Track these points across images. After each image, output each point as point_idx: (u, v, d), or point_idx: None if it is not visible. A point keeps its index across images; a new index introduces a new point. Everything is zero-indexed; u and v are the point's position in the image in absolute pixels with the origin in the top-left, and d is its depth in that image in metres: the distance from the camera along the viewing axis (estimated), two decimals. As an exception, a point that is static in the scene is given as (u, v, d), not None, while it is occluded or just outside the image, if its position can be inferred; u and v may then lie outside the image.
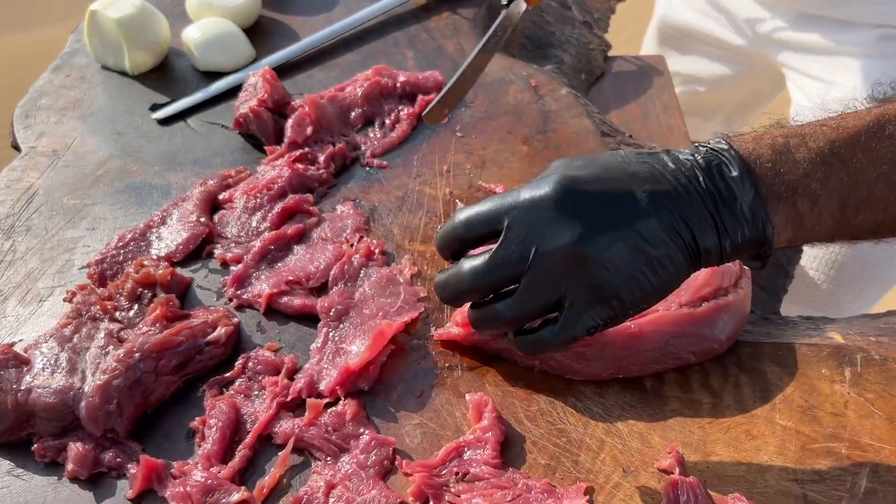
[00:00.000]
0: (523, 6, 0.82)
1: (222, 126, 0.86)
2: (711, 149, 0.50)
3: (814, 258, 1.01)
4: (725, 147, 0.50)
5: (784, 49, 1.07)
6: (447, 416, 0.58)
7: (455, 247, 0.54)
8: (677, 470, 0.53)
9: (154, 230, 0.72)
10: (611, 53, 1.09)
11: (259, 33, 0.99)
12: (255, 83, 0.83)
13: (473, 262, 0.51)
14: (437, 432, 0.57)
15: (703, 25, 1.17)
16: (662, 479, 0.53)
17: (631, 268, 0.48)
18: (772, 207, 0.49)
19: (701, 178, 0.49)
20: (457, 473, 0.54)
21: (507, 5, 0.81)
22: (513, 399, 0.59)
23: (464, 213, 0.52)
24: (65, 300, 0.68)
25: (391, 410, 0.59)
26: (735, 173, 0.49)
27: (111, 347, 0.59)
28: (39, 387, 0.57)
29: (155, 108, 0.89)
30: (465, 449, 0.55)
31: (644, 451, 0.55)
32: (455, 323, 0.62)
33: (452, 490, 0.53)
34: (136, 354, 0.58)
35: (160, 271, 0.65)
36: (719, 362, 0.60)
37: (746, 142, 0.51)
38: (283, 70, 0.93)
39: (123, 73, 0.94)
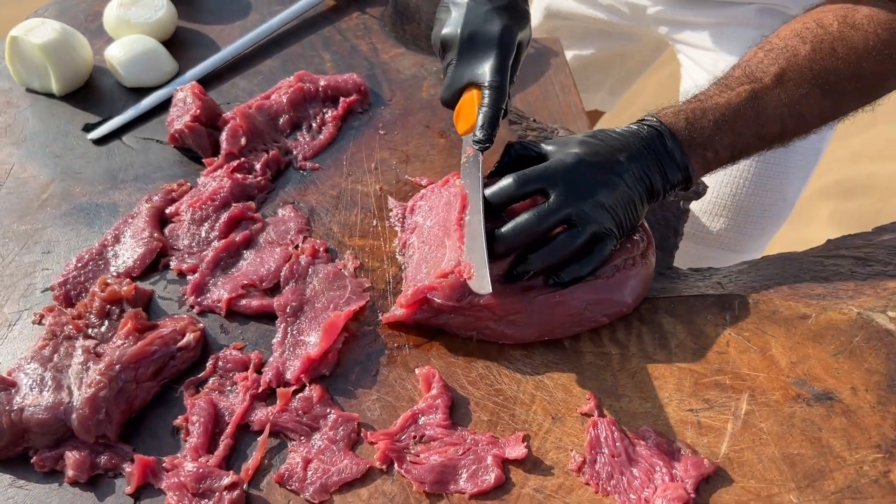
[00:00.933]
0: None
1: (157, 141, 0.91)
2: (651, 125, 0.72)
3: (709, 205, 1.14)
4: (657, 122, 0.72)
5: (669, 25, 1.18)
6: (401, 389, 0.67)
7: (506, 202, 0.69)
8: (596, 412, 0.64)
9: (109, 248, 0.78)
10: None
11: (178, 45, 1.03)
12: (185, 98, 0.89)
13: (539, 210, 0.66)
14: (393, 404, 0.66)
15: (586, 12, 1.27)
16: (585, 422, 0.64)
17: (624, 201, 0.68)
18: (690, 158, 0.71)
19: (651, 145, 0.70)
20: (414, 437, 0.64)
21: (482, 149, 0.78)
22: (455, 368, 0.68)
23: (516, 176, 0.68)
24: (34, 322, 0.73)
25: (351, 389, 0.67)
26: (670, 142, 0.70)
27: (91, 363, 0.66)
28: (31, 406, 0.63)
29: (88, 128, 0.93)
30: (420, 416, 0.64)
31: (568, 399, 0.66)
32: (399, 305, 0.71)
33: (412, 451, 0.63)
34: (117, 367, 0.65)
35: (124, 288, 0.71)
36: (624, 319, 0.71)
37: (668, 116, 0.72)
38: (207, 81, 0.98)
39: (50, 95, 0.97)
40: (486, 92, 0.75)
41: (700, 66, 1.17)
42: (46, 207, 0.84)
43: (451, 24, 0.79)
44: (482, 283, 0.63)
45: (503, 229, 0.67)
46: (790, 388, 0.64)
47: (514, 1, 0.80)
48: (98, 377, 0.64)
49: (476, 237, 0.66)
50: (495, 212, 0.69)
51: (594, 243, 0.67)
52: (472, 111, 0.76)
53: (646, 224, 0.74)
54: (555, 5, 1.31)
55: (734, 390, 0.65)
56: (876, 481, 0.58)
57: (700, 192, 0.89)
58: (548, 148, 0.71)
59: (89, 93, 0.98)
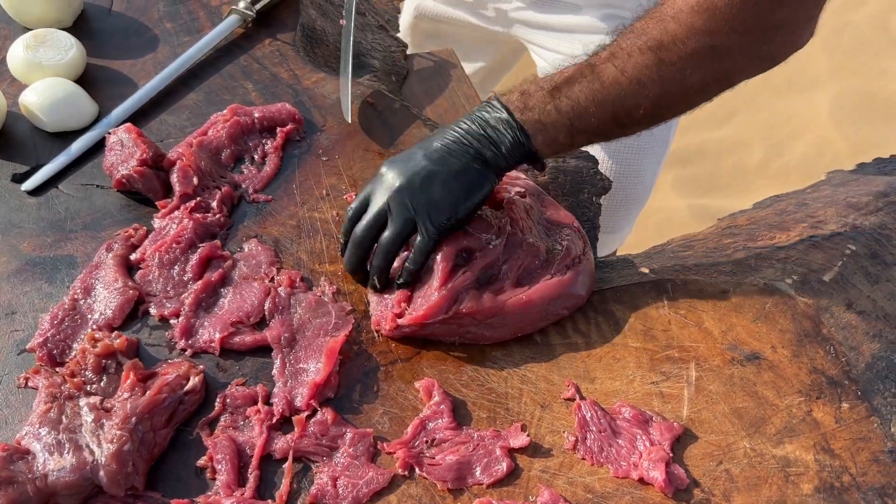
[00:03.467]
0: None
1: (98, 186, 0.90)
2: (486, 101, 0.78)
3: None
4: (494, 99, 0.78)
5: (524, 27, 1.29)
6: (403, 401, 0.74)
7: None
8: (577, 396, 0.74)
9: (81, 301, 0.78)
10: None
11: (90, 83, 1.01)
12: (121, 140, 0.89)
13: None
14: (399, 415, 0.73)
15: (452, 14, 1.36)
16: (569, 406, 0.74)
17: (444, 187, 0.75)
18: (533, 137, 0.76)
19: (478, 121, 0.77)
20: (426, 442, 0.71)
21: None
22: (447, 374, 0.76)
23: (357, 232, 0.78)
24: (19, 387, 0.73)
25: (357, 407, 0.73)
26: (499, 112, 0.76)
27: (104, 419, 0.67)
28: (55, 470, 0.64)
29: (17, 178, 0.90)
30: (427, 422, 0.72)
31: (550, 388, 0.75)
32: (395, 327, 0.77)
33: (428, 455, 0.70)
34: (133, 419, 0.67)
35: (117, 341, 0.73)
36: (582, 312, 0.81)
37: (504, 93, 0.78)
38: (133, 119, 0.97)
39: (-38, 147, 0.93)
40: None
41: (554, 67, 1.29)
42: (-5, 267, 0.82)
43: None
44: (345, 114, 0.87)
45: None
46: (726, 354, 0.77)
47: None
48: (118, 432, 0.65)
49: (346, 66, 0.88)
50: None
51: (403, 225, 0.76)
52: None
53: (578, 224, 0.85)
54: (423, 6, 1.39)
55: (683, 361, 0.77)
56: (803, 420, 0.72)
57: (607, 186, 1.02)
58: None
59: (5, 141, 0.95)
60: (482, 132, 0.76)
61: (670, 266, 0.88)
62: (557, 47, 1.24)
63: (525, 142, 0.76)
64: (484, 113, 0.77)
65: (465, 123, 0.77)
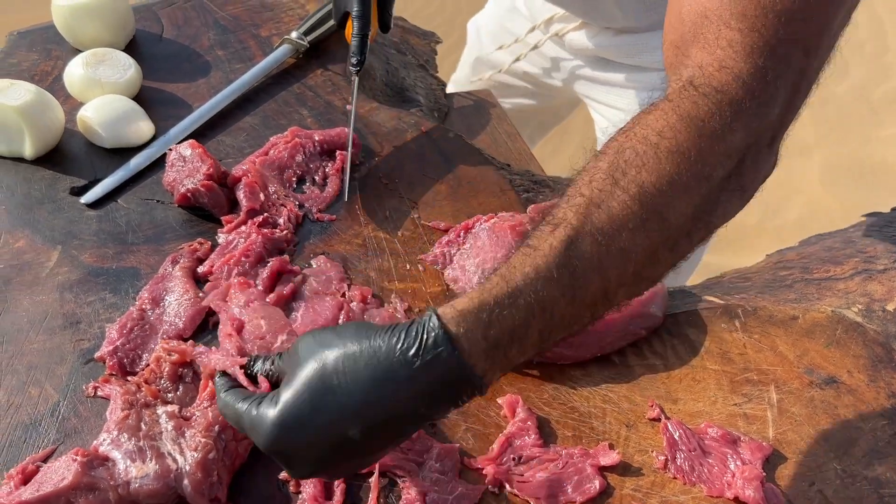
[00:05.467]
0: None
1: (158, 201, 0.89)
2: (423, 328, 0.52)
3: None
4: (437, 327, 0.51)
5: (585, 83, 1.32)
6: (485, 418, 0.72)
7: None
8: (663, 416, 0.72)
9: (149, 312, 0.76)
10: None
11: (145, 103, 1.01)
12: (184, 156, 0.88)
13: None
14: (483, 432, 0.71)
15: (514, 64, 1.39)
16: (654, 426, 0.72)
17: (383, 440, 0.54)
18: (479, 365, 0.52)
19: (416, 364, 0.51)
20: (514, 459, 0.69)
21: (358, 70, 0.95)
22: (528, 393, 0.74)
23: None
24: (88, 396, 0.70)
25: (439, 423, 0.71)
26: (441, 348, 0.51)
27: (184, 427, 0.64)
28: (137, 477, 0.60)
29: (76, 191, 0.88)
30: (513, 439, 0.70)
31: (633, 408, 0.74)
32: None
33: (516, 472, 0.68)
34: (216, 427, 0.64)
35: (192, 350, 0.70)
36: (657, 334, 0.81)
37: (454, 317, 0.52)
38: (189, 139, 0.96)
39: (17, 160, 0.91)
40: (355, 22, 0.92)
41: (614, 124, 1.32)
42: (57, 277, 0.79)
43: None
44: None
45: None
46: (803, 377, 0.77)
47: None
48: (203, 440, 0.63)
49: None
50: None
51: None
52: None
53: None
54: (484, 56, 1.41)
55: (762, 384, 0.76)
56: (889, 443, 0.72)
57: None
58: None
59: (62, 156, 0.93)
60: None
61: (735, 294, 0.88)
62: (616, 103, 1.26)
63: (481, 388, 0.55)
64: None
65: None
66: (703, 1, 0.58)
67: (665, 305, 0.81)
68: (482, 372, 0.53)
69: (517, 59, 1.33)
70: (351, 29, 0.94)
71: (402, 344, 0.51)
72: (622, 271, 0.55)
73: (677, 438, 0.71)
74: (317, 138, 0.96)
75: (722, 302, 0.85)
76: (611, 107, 1.29)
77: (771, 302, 0.85)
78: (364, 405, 0.51)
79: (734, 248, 2.63)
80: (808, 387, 0.76)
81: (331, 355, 0.52)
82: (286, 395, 0.52)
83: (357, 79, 0.95)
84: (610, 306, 0.58)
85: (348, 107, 1.01)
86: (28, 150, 0.90)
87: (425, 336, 0.51)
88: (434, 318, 0.52)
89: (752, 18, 0.55)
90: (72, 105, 0.99)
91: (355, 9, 0.90)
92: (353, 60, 0.91)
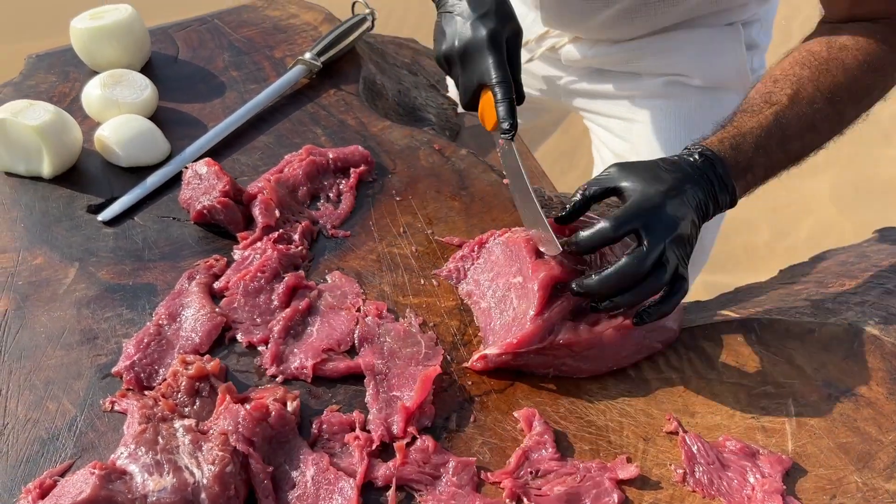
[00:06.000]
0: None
1: (174, 219, 0.89)
2: (703, 153, 0.78)
3: None
4: (708, 151, 0.78)
5: (579, 97, 1.33)
6: (502, 431, 0.72)
7: (601, 245, 0.74)
8: (680, 430, 0.72)
9: (166, 327, 0.76)
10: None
11: (161, 123, 1.02)
12: (200, 174, 0.89)
13: (637, 255, 0.71)
14: (500, 445, 0.70)
15: None
16: (672, 439, 0.72)
17: (693, 231, 0.75)
18: (736, 182, 0.78)
19: (705, 173, 0.76)
20: (531, 473, 0.68)
21: (511, 137, 0.84)
22: (544, 406, 0.74)
23: (612, 220, 0.72)
24: (105, 411, 0.70)
25: (455, 437, 0.71)
26: (720, 169, 0.77)
27: (201, 441, 0.64)
28: (155, 491, 0.60)
29: (93, 209, 0.89)
30: (530, 452, 0.69)
31: (650, 422, 0.73)
32: (486, 357, 0.75)
33: (534, 486, 0.67)
34: (232, 440, 0.64)
35: (209, 364, 0.70)
36: (673, 348, 0.80)
37: (714, 144, 0.79)
38: (205, 157, 0.97)
39: (36, 179, 0.92)
40: (496, 89, 0.83)
41: (612, 133, 1.32)
42: (74, 293, 0.80)
43: (447, 42, 0.87)
44: (551, 246, 0.74)
45: (606, 273, 0.72)
46: (822, 390, 0.76)
47: (494, 7, 0.87)
48: (219, 453, 0.62)
49: (532, 210, 0.76)
50: (585, 252, 0.76)
51: (674, 280, 0.74)
52: (492, 109, 0.85)
53: None
54: None
55: (780, 397, 0.76)
56: (910, 455, 0.71)
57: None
58: (623, 183, 0.75)
59: (79, 175, 0.94)
60: (711, 194, 0.77)
61: (750, 308, 0.88)
62: (612, 111, 1.27)
63: (735, 199, 0.80)
64: (710, 172, 0.77)
65: (696, 175, 0.77)
66: None
67: (681, 319, 0.81)
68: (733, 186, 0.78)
69: None
70: (487, 101, 0.85)
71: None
72: (815, 135, 0.83)
73: (695, 452, 0.70)
74: (331, 156, 0.97)
75: (737, 316, 0.85)
76: (608, 116, 1.29)
77: (787, 315, 0.85)
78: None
79: (745, 268, 2.63)
80: (826, 400, 0.76)
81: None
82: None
83: (511, 145, 0.83)
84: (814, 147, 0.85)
85: (505, 181, 0.93)
86: (46, 169, 0.91)
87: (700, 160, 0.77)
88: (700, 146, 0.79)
89: None
90: (89, 125, 1.00)
91: (494, 76, 0.83)
92: (506, 125, 0.82)
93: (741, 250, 2.69)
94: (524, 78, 1.34)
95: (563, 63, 1.27)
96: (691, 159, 0.78)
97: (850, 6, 0.86)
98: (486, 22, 0.85)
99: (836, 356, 0.80)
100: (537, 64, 1.31)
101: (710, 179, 0.77)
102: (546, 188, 1.10)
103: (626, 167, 0.77)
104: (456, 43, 0.86)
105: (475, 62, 0.85)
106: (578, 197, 0.77)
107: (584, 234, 0.73)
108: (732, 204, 0.80)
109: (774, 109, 0.81)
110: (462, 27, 0.86)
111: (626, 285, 0.72)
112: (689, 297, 1.36)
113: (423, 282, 0.85)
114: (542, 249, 0.77)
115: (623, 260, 0.71)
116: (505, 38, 0.86)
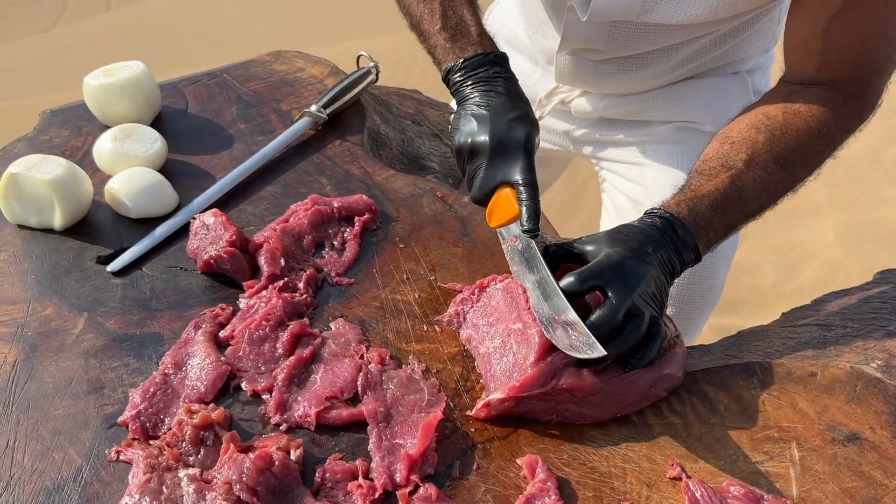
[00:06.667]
0: None
1: (181, 268, 0.91)
2: (662, 216, 0.82)
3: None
4: (667, 214, 0.82)
5: (594, 145, 1.35)
6: (504, 479, 0.72)
7: (572, 300, 0.76)
8: (684, 475, 0.72)
9: (172, 376, 0.77)
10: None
11: (170, 175, 1.04)
12: (208, 225, 0.90)
13: (609, 307, 0.75)
14: (503, 493, 0.70)
15: None
16: (675, 485, 0.72)
17: (660, 286, 0.78)
18: (698, 240, 0.83)
19: (666, 233, 0.81)
20: (534, 520, 0.68)
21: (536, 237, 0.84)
22: (547, 453, 0.74)
23: (578, 274, 0.77)
24: (110, 460, 0.70)
25: (458, 484, 0.71)
26: (681, 230, 0.82)
27: (205, 490, 0.65)
28: (158, 540, 0.61)
29: (102, 260, 0.91)
30: (534, 500, 0.69)
31: (653, 467, 0.73)
32: (488, 405, 0.75)
33: (537, 533, 0.67)
34: (237, 487, 0.64)
35: (214, 413, 0.71)
36: (675, 393, 0.80)
37: (672, 207, 0.84)
38: (213, 208, 0.99)
39: (47, 231, 0.94)
40: (524, 189, 0.85)
41: (625, 178, 1.34)
42: (82, 343, 0.81)
43: (480, 133, 0.88)
44: (596, 348, 0.72)
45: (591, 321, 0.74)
46: (825, 434, 0.76)
47: (527, 111, 0.91)
48: (224, 503, 0.63)
49: (571, 318, 0.74)
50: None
51: (651, 328, 0.77)
52: (507, 206, 0.85)
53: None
54: None
55: (783, 441, 0.76)
56: (916, 500, 0.71)
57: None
58: (586, 248, 0.81)
59: (89, 226, 0.97)
60: (675, 251, 0.82)
61: (753, 351, 0.88)
62: (623, 157, 1.30)
63: (699, 255, 0.84)
64: (671, 232, 0.82)
65: (657, 236, 0.81)
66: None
67: (685, 365, 0.81)
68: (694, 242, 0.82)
69: None
70: (502, 199, 0.86)
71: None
72: (769, 196, 0.88)
73: (699, 497, 0.70)
74: (336, 205, 0.99)
75: (739, 360, 0.85)
76: (619, 162, 1.32)
77: (789, 358, 0.85)
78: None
79: (751, 311, 2.62)
80: (830, 444, 0.75)
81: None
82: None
83: (532, 243, 0.84)
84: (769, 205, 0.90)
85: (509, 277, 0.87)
86: (58, 222, 0.93)
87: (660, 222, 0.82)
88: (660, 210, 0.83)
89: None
90: (100, 178, 1.03)
91: (523, 178, 0.85)
92: (530, 225, 0.82)
93: (748, 293, 2.69)
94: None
95: (574, 115, 1.30)
96: (651, 221, 0.82)
97: (816, 71, 0.91)
98: (524, 124, 0.89)
99: (839, 399, 0.80)
100: (548, 118, 1.34)
101: (671, 239, 0.81)
102: (550, 236, 1.11)
103: (591, 237, 0.82)
104: (489, 137, 0.88)
105: (504, 161, 0.87)
106: (549, 251, 0.82)
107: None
108: (698, 259, 0.84)
109: (731, 174, 0.86)
110: (497, 123, 0.88)
111: (604, 337, 0.73)
112: (695, 342, 1.37)
113: (425, 328, 0.86)
114: (575, 355, 0.73)
115: (595, 314, 0.75)
116: (535, 143, 0.90)
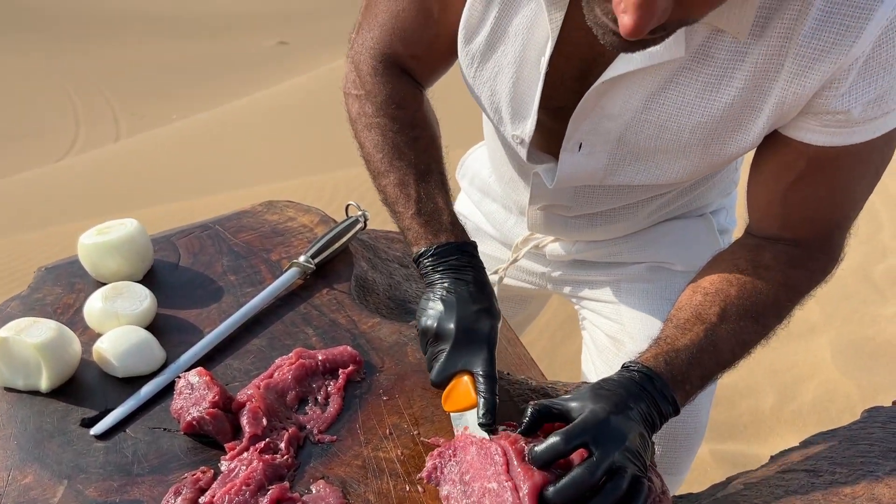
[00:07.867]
0: None
1: (164, 429, 0.91)
2: (640, 371, 0.84)
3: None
4: (644, 368, 0.84)
5: (566, 285, 1.39)
6: None
7: (555, 458, 0.77)
8: None
9: (149, 549, 0.76)
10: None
11: (157, 330, 1.06)
12: (192, 384, 0.91)
13: (589, 464, 0.74)
14: None
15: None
16: None
17: (642, 441, 0.79)
18: (675, 393, 0.84)
19: (645, 387, 0.83)
20: None
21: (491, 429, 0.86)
22: None
23: (563, 434, 0.76)
24: None
25: None
26: (658, 383, 0.84)
27: None
28: None
29: (86, 422, 0.91)
30: None
31: None
32: None
33: None
34: None
35: (189, 589, 0.70)
36: (662, 549, 0.79)
37: (650, 361, 0.86)
38: (199, 364, 1.01)
39: (34, 393, 0.95)
40: (483, 380, 0.88)
41: (602, 315, 1.37)
42: (61, 512, 0.80)
43: (446, 319, 0.93)
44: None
45: (560, 484, 0.74)
46: None
47: (492, 304, 0.96)
48: None
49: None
50: (541, 465, 0.77)
51: (634, 485, 0.77)
52: (464, 394, 0.89)
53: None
54: None
55: None
56: None
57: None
58: (571, 405, 0.82)
59: (76, 387, 0.97)
60: (654, 405, 0.83)
61: (739, 502, 0.87)
62: (600, 296, 1.33)
63: (677, 408, 0.86)
64: (650, 386, 0.84)
65: (637, 391, 0.83)
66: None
67: (669, 519, 0.81)
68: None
69: (501, 279, 1.41)
70: (460, 386, 0.90)
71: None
72: (742, 348, 0.91)
73: None
74: (320, 357, 1.00)
75: (726, 513, 0.84)
76: (596, 301, 1.35)
77: (778, 510, 0.84)
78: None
79: (751, 436, 2.58)
80: None
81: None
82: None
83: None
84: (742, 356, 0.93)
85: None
86: (44, 384, 0.94)
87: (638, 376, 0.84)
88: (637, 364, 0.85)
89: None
90: (90, 336, 1.05)
91: (484, 369, 0.88)
92: (487, 419, 0.85)
93: (748, 417, 2.66)
94: (512, 271, 1.41)
95: (548, 258, 1.34)
96: (629, 375, 0.84)
97: (779, 230, 0.96)
98: (489, 316, 0.94)
99: (829, 555, 0.78)
100: (524, 261, 1.38)
101: (650, 393, 0.83)
102: (536, 376, 1.12)
103: (574, 394, 0.83)
104: (454, 325, 0.92)
105: (468, 349, 0.91)
106: (531, 411, 0.81)
107: (538, 448, 0.77)
108: (676, 412, 0.85)
109: (705, 327, 0.89)
110: (464, 312, 0.93)
111: (585, 494, 0.74)
112: (695, 468, 1.34)
113: (407, 488, 0.85)
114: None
115: (575, 470, 0.75)
116: (496, 335, 0.94)
